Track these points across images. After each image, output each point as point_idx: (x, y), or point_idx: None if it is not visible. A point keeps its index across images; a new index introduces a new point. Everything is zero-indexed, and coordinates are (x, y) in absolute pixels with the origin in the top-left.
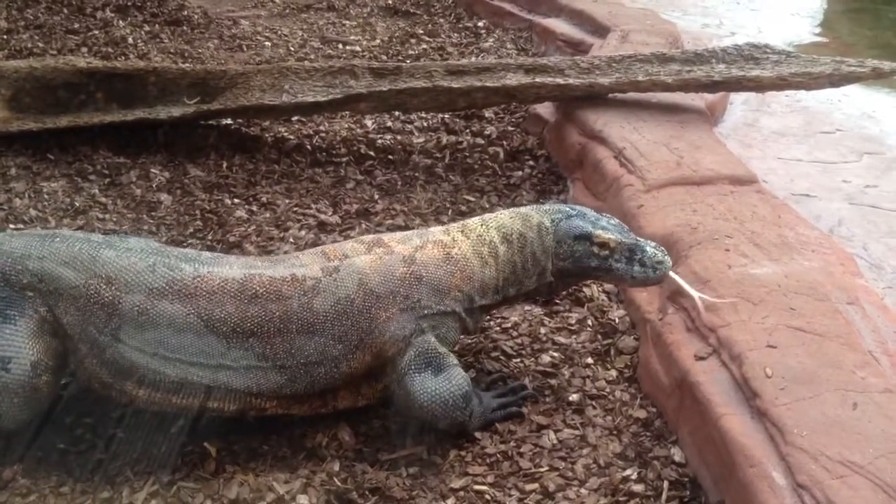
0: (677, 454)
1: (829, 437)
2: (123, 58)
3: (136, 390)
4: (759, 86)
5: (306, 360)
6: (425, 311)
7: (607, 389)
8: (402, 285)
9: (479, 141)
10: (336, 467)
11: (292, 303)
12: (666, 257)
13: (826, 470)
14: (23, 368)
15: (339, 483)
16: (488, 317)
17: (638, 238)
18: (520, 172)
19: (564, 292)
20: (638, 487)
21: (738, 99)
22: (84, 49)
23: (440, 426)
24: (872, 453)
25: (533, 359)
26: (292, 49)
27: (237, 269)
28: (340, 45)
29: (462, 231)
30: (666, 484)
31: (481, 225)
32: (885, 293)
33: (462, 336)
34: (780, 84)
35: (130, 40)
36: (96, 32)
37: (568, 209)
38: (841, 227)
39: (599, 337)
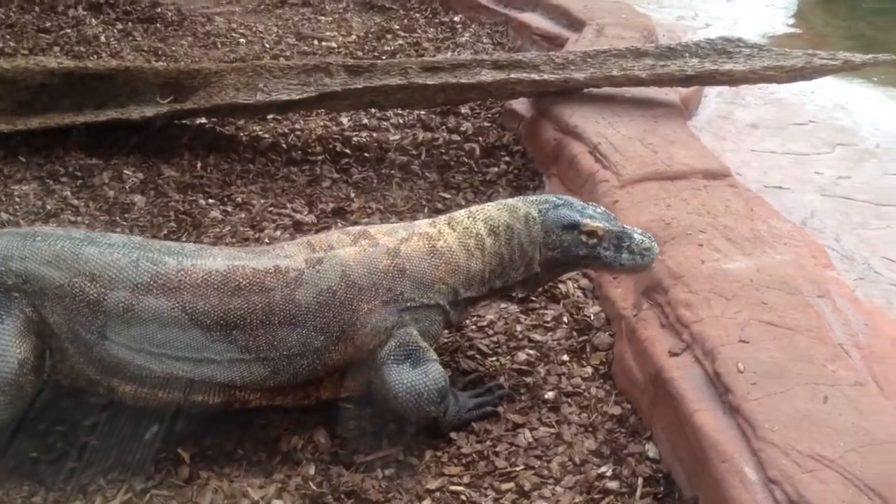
0: (651, 450)
1: (800, 431)
2: (96, 56)
3: (123, 386)
4: (732, 79)
5: (289, 352)
6: (408, 304)
7: (583, 386)
8: (386, 277)
9: (455, 137)
10: (311, 471)
11: (275, 294)
12: (653, 244)
13: (797, 464)
14: (10, 366)
15: (314, 487)
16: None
17: (625, 226)
18: (496, 168)
19: (541, 288)
20: (613, 484)
21: (712, 91)
22: (56, 48)
23: (413, 419)
24: (843, 447)
25: (509, 357)
26: (267, 46)
27: (221, 261)
28: (316, 42)
29: (449, 223)
30: (640, 480)
31: (468, 217)
32: (857, 285)
33: (446, 329)
34: (753, 77)
35: (103, 39)
36: (68, 31)
37: (555, 199)
38: (813, 218)
39: (575, 334)
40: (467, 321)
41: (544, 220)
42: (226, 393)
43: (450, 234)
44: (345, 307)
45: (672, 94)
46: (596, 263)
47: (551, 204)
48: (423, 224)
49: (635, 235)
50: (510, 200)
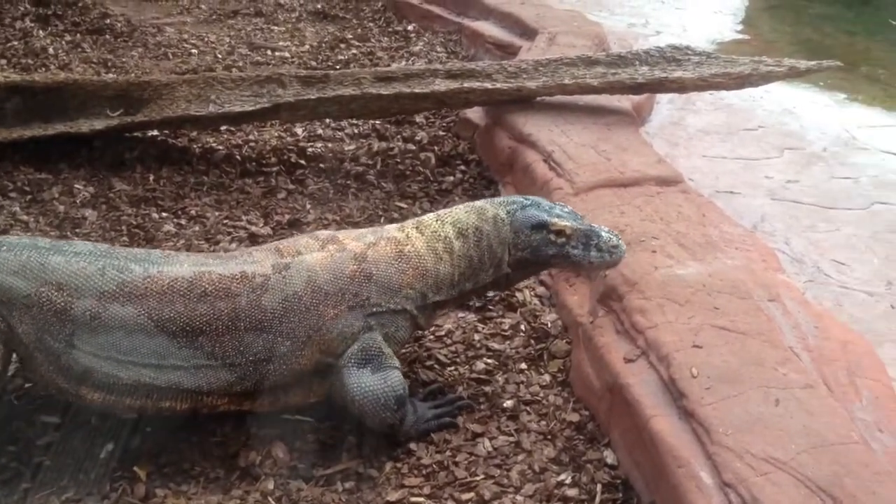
0: (610, 457)
1: (753, 434)
2: (44, 69)
3: (91, 394)
4: (681, 87)
5: (255, 358)
6: (374, 309)
7: (541, 394)
8: (352, 283)
9: (411, 147)
10: (270, 486)
11: (241, 300)
12: (620, 241)
13: (751, 467)
14: None
15: (273, 502)
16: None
17: (592, 224)
18: (451, 177)
19: (508, 290)
20: (572, 492)
21: (664, 98)
22: (3, 61)
23: (369, 424)
24: (794, 449)
25: (467, 366)
26: (219, 56)
27: (187, 268)
28: (269, 52)
29: (417, 227)
30: (599, 487)
31: (436, 220)
32: (806, 287)
33: (417, 331)
34: (702, 85)
35: (51, 51)
36: (15, 43)
37: (522, 199)
38: (764, 222)
39: (532, 342)
40: (424, 331)
41: (513, 220)
42: (193, 399)
43: (418, 239)
44: (311, 312)
45: (624, 101)
46: (565, 262)
47: (519, 204)
48: (391, 228)
49: (603, 233)
50: (478, 202)
